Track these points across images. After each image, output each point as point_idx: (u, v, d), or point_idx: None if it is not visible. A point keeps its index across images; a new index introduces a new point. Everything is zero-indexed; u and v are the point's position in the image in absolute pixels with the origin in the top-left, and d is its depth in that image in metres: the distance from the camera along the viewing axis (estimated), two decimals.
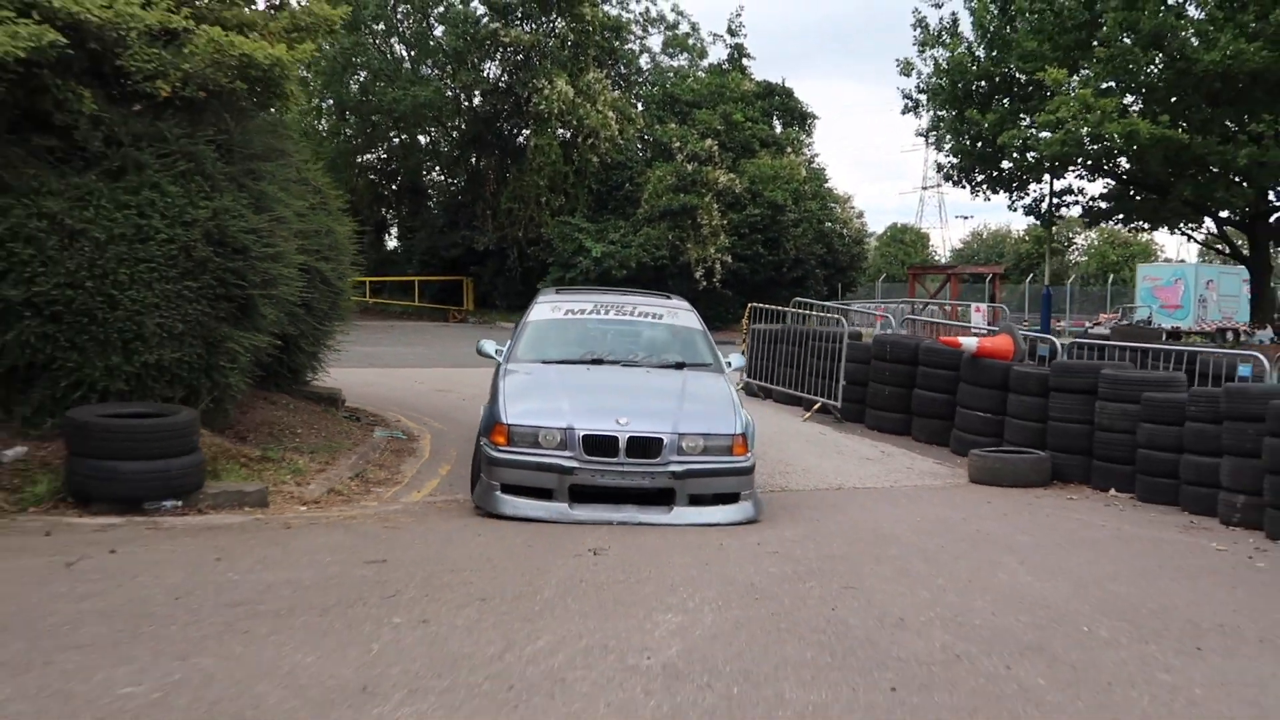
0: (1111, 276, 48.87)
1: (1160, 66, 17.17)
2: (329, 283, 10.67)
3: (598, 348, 9.33)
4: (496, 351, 9.33)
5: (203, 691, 3.59)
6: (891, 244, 68.72)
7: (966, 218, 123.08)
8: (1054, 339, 12.71)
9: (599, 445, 7.58)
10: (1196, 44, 16.24)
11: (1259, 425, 7.63)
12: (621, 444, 7.57)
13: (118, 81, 8.04)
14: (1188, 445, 8.71)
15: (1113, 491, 9.58)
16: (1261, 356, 10.06)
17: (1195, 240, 25.84)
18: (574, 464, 7.52)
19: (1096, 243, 65.05)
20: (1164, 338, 33.28)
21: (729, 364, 9.56)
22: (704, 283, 32.14)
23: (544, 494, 7.59)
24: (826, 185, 36.44)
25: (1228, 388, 8.34)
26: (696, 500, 7.70)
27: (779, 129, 37.39)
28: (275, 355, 9.73)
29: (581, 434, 7.56)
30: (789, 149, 35.89)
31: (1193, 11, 16.82)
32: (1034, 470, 10.09)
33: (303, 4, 9.68)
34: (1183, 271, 36.54)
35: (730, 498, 7.81)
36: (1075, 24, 17.62)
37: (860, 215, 38.92)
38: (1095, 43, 17.33)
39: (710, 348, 9.60)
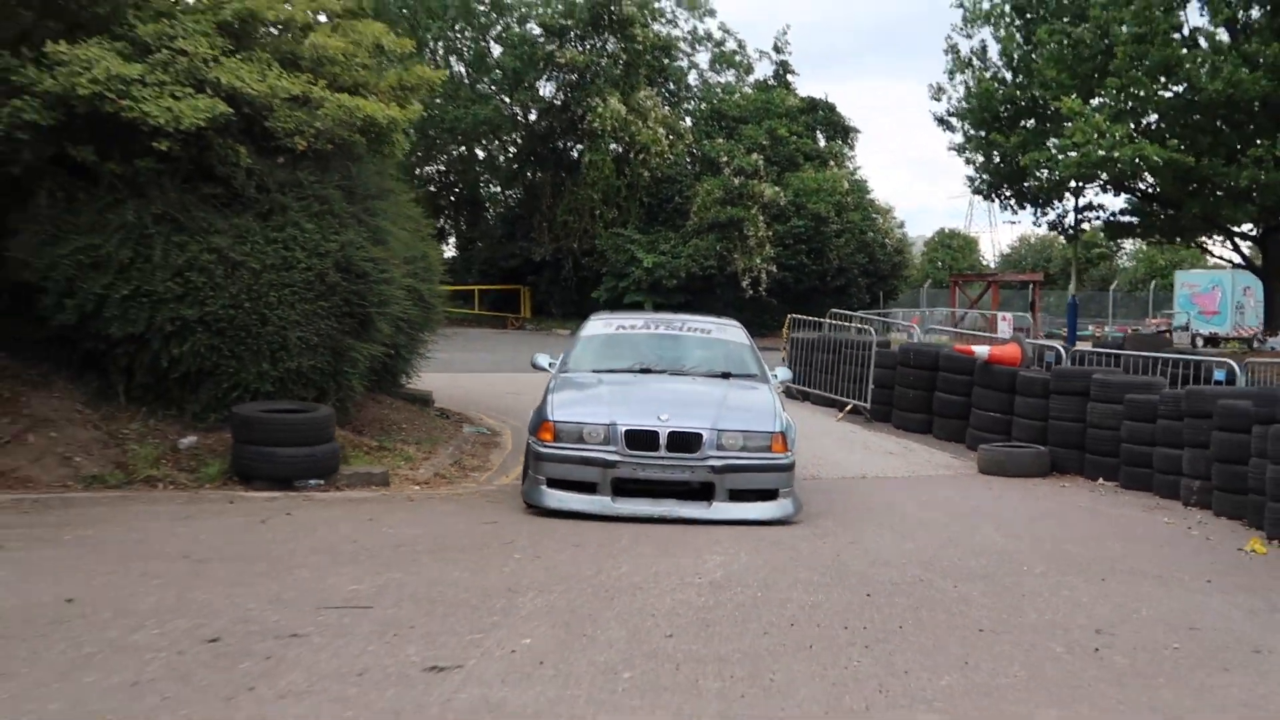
0: (1155, 282, 49.56)
1: (1169, 94, 18.54)
2: (424, 300, 12.44)
3: (646, 359, 9.64)
4: (550, 364, 9.68)
5: (403, 589, 5.35)
6: (939, 249, 69.29)
7: (1015, 222, 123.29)
8: (1059, 346, 14.20)
9: (641, 440, 7.94)
10: (1203, 73, 17.60)
11: (1209, 421, 9.11)
12: (662, 438, 7.94)
13: (265, 139, 9.85)
14: (1159, 439, 10.19)
15: (1101, 480, 11.06)
16: (1233, 362, 11.50)
17: (1210, 253, 26.98)
18: (616, 457, 7.87)
19: (1144, 247, 65.52)
20: (1198, 343, 34.39)
21: (774, 375, 9.84)
22: (750, 291, 33.68)
23: (588, 488, 7.96)
24: (869, 197, 37.83)
25: (1188, 390, 9.83)
26: (736, 496, 8.00)
27: (822, 143, 38.87)
28: (383, 362, 11.53)
29: (624, 429, 7.95)
30: (832, 162, 37.36)
31: (1201, 43, 18.15)
32: (1034, 462, 11.58)
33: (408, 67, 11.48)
34: (1220, 279, 37.36)
35: (769, 494, 8.10)
36: (1091, 53, 19.07)
37: (902, 225, 40.35)
38: (1109, 72, 18.74)
39: (757, 360, 9.92)
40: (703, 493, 7.98)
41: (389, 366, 12.16)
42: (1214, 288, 38.65)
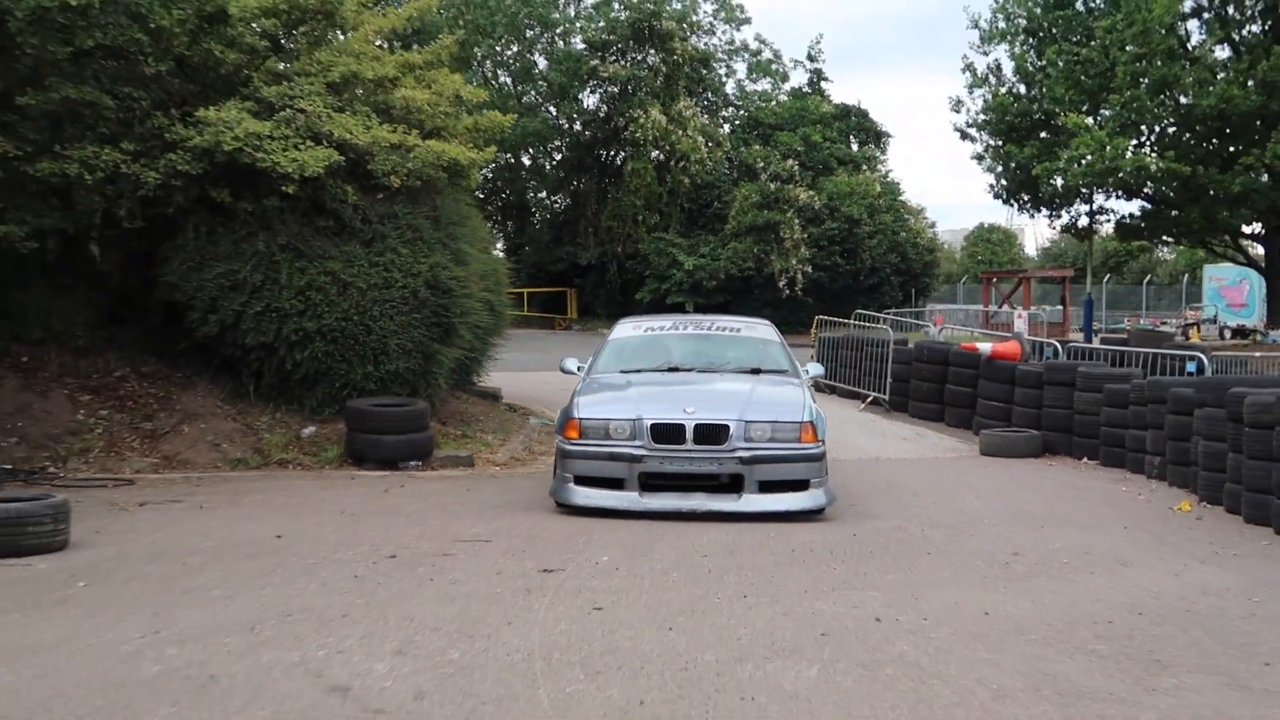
0: (1187, 276, 50.56)
1: (1167, 109, 20.05)
2: (494, 309, 14.35)
3: (675, 358, 9.70)
4: (578, 368, 9.77)
5: (511, 531, 7.27)
6: (979, 243, 70.11)
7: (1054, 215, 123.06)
8: (1056, 343, 15.85)
9: (667, 433, 7.98)
10: (1198, 90, 19.11)
11: (1164, 405, 10.77)
12: (689, 431, 7.95)
13: (367, 178, 11.76)
14: (1130, 423, 11.83)
15: (1084, 459, 12.69)
16: (1202, 355, 13.12)
17: (1215, 251, 28.40)
18: (642, 452, 7.91)
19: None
20: (1229, 335, 35.53)
21: (806, 371, 9.83)
22: (786, 291, 35.40)
23: (615, 484, 8.01)
24: (900, 198, 39.41)
25: (1150, 380, 11.48)
26: (766, 487, 7.99)
27: (855, 147, 40.50)
28: (462, 363, 13.45)
29: (649, 423, 7.99)
30: (864, 166, 38.99)
31: (1197, 58, 19.70)
32: (1027, 445, 13.23)
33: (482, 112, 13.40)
34: (1248, 272, 38.40)
35: (800, 485, 8.06)
36: (1098, 71, 20.61)
37: (933, 225, 41.89)
38: (1112, 89, 20.30)
39: (788, 356, 9.91)
40: (732, 485, 8.00)
41: (466, 367, 14.08)
42: (1241, 281, 39.66)
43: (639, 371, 9.32)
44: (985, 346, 15.05)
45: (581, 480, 8.09)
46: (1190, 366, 13.25)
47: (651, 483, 7.98)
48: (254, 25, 11.68)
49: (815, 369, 10.34)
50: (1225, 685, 4.31)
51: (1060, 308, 36.99)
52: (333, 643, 4.54)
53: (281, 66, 11.92)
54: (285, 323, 11.07)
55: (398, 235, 11.79)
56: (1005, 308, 37.53)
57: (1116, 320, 47.65)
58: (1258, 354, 15.59)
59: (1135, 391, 11.77)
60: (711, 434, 7.96)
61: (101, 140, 10.48)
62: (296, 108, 11.15)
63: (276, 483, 9.58)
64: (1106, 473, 11.77)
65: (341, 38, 12.86)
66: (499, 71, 44.15)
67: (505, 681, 4.16)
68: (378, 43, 13.30)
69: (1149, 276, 54.23)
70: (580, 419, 8.24)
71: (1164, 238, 27.45)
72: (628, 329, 10.48)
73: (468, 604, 5.31)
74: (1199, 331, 37.24)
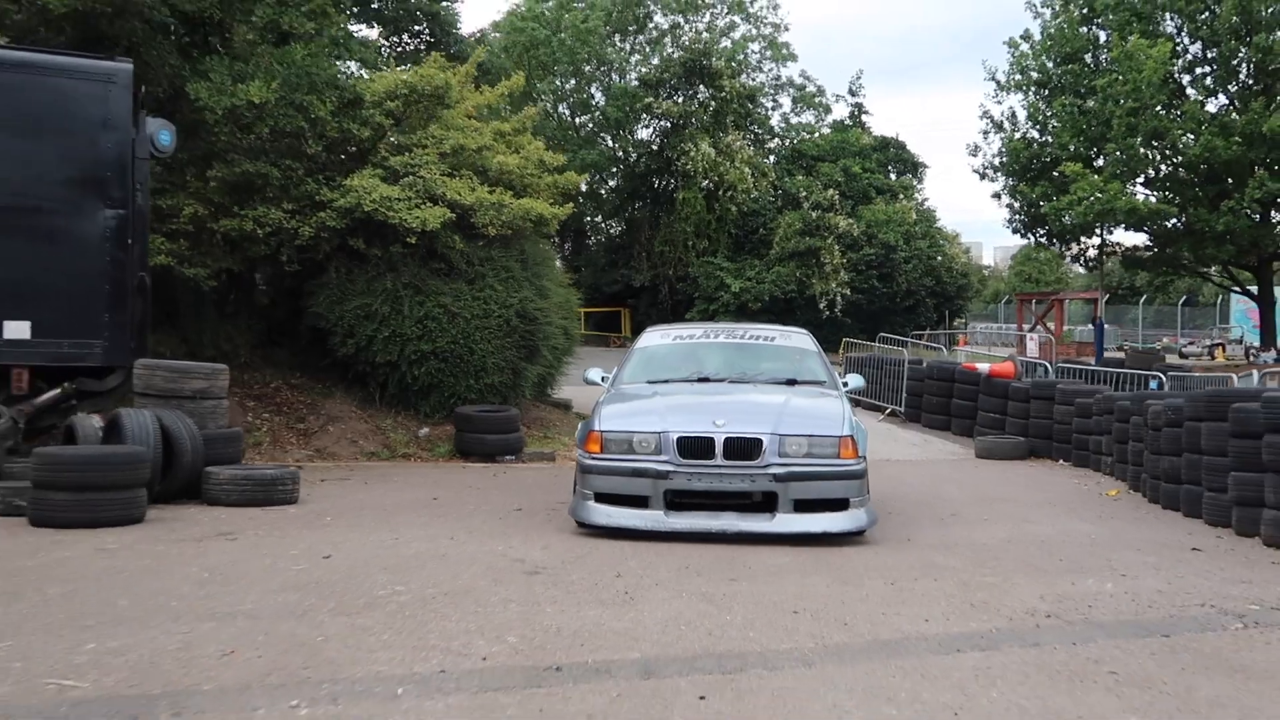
0: (1220, 299, 52.30)
1: (1158, 156, 22.44)
2: (568, 333, 17.16)
3: (705, 368, 9.18)
4: (603, 379, 9.44)
5: None
6: (1026, 262, 71.90)
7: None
8: (1047, 364, 18.35)
9: (695, 447, 7.42)
10: (1188, 140, 21.50)
11: (1111, 415, 13.29)
12: (718, 445, 7.41)
13: (470, 229, 14.61)
14: (1093, 430, 14.34)
15: (1061, 461, 15.16)
16: (1161, 374, 15.59)
17: (1212, 281, 30.64)
18: (669, 468, 7.36)
19: None
20: (1251, 355, 37.45)
21: (845, 384, 9.41)
22: (827, 313, 37.93)
23: (639, 502, 7.47)
24: (936, 225, 41.82)
25: (1104, 394, 13.99)
26: (802, 506, 7.42)
27: (893, 178, 43.00)
28: (541, 377, 16.26)
29: (676, 436, 7.44)
30: (901, 196, 41.48)
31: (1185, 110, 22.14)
32: (1014, 449, 15.73)
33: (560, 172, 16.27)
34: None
35: (839, 504, 7.52)
36: (1099, 121, 23.04)
37: (967, 250, 44.16)
38: (1109, 138, 22.77)
39: (825, 367, 9.49)
40: (765, 504, 7.47)
41: (544, 381, 16.89)
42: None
43: (667, 382, 8.84)
44: (984, 366, 17.60)
45: (603, 497, 7.60)
46: (1153, 384, 15.72)
47: (678, 501, 7.47)
48: (381, 106, 14.61)
49: (855, 381, 9.92)
50: (1028, 570, 6.79)
51: (1091, 327, 39.17)
52: (502, 546, 7.18)
53: (401, 139, 14.82)
54: (407, 345, 13.93)
55: (494, 275, 14.63)
56: (1039, 328, 39.89)
57: (1154, 340, 49.67)
58: (1234, 374, 17.91)
59: (1097, 404, 14.28)
60: (743, 448, 7.43)
61: (268, 202, 13.45)
62: (417, 174, 14.05)
63: (408, 469, 12.43)
64: (1073, 470, 14.25)
65: (446, 113, 15.75)
66: (560, 106, 47.21)
67: (610, 559, 6.84)
68: (474, 115, 16.19)
69: (1184, 298, 55.90)
70: (602, 431, 7.73)
71: (1164, 269, 29.69)
72: (655, 337, 10.00)
73: (575, 530, 7.89)
74: (1224, 351, 39.25)
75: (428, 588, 5.71)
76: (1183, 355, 38.94)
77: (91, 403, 9.87)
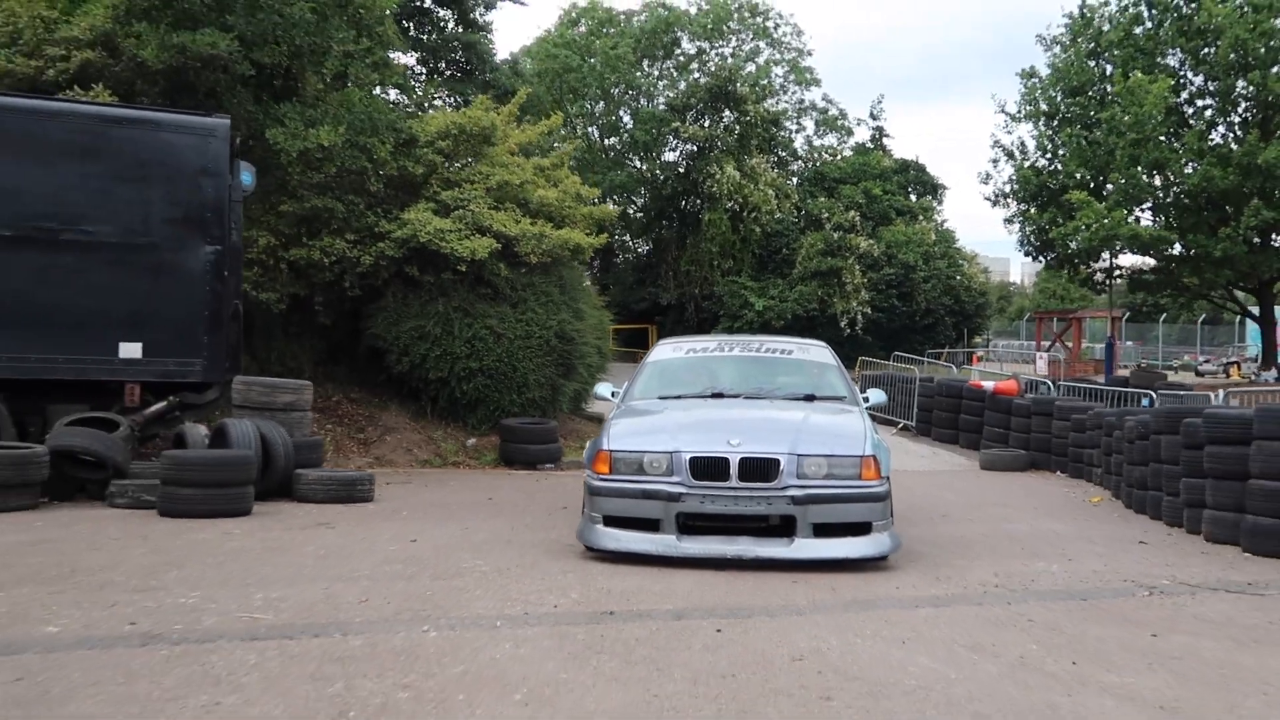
0: (1238, 316, 53.07)
1: (1159, 185, 23.63)
2: (601, 352, 18.56)
3: (719, 383, 8.87)
4: (613, 394, 9.20)
5: None
6: (1052, 279, 72.58)
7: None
8: (1049, 381, 19.58)
9: (708, 468, 7.15)
10: (1188, 171, 22.69)
11: (1100, 429, 14.52)
12: (733, 466, 7.13)
13: (513, 257, 16.04)
14: (1086, 443, 15.58)
15: (1058, 473, 16.36)
16: (1152, 393, 16.79)
17: (1215, 303, 31.83)
18: (681, 490, 7.11)
19: None
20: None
21: (865, 399, 9.01)
22: (848, 330, 39.17)
23: (649, 526, 7.21)
24: (954, 246, 43.02)
25: (1094, 411, 15.22)
26: (822, 531, 7.14)
27: (913, 199, 44.25)
28: (576, 393, 17.65)
29: (688, 456, 7.17)
30: (921, 217, 42.72)
31: (1185, 141, 23.36)
32: (1016, 461, 16.96)
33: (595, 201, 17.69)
34: None
35: (861, 528, 7.22)
36: (1104, 151, 24.26)
37: (985, 270, 45.26)
38: (1112, 168, 24.01)
39: (845, 381, 9.19)
40: (783, 528, 7.19)
41: (579, 395, 18.28)
42: None
43: (679, 398, 8.56)
44: (989, 384, 18.85)
45: (611, 521, 7.33)
46: (1144, 402, 16.92)
47: (691, 525, 7.20)
48: (433, 145, 16.09)
49: (877, 396, 9.49)
50: (992, 556, 8.06)
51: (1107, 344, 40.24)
52: (555, 534, 8.51)
53: (451, 175, 16.30)
54: (456, 363, 15.36)
55: (535, 299, 16.06)
56: (1057, 346, 40.93)
57: (1174, 358, 50.51)
58: (1213, 392, 19.05)
59: (1088, 420, 15.53)
60: (759, 469, 7.14)
61: (333, 234, 14.94)
62: (466, 208, 15.51)
63: (459, 475, 13.84)
64: (1067, 481, 15.48)
65: (490, 150, 17.22)
66: (590, 128, 48.77)
67: None
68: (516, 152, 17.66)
69: (1202, 317, 56.72)
70: (611, 451, 7.46)
71: (1169, 292, 30.86)
72: (667, 350, 9.71)
73: None
74: (1239, 370, 40.20)
75: (501, 562, 7.09)
76: (1198, 373, 39.98)
77: (192, 414, 11.34)
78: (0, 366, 10.39)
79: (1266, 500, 8.08)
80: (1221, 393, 16.47)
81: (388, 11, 15.15)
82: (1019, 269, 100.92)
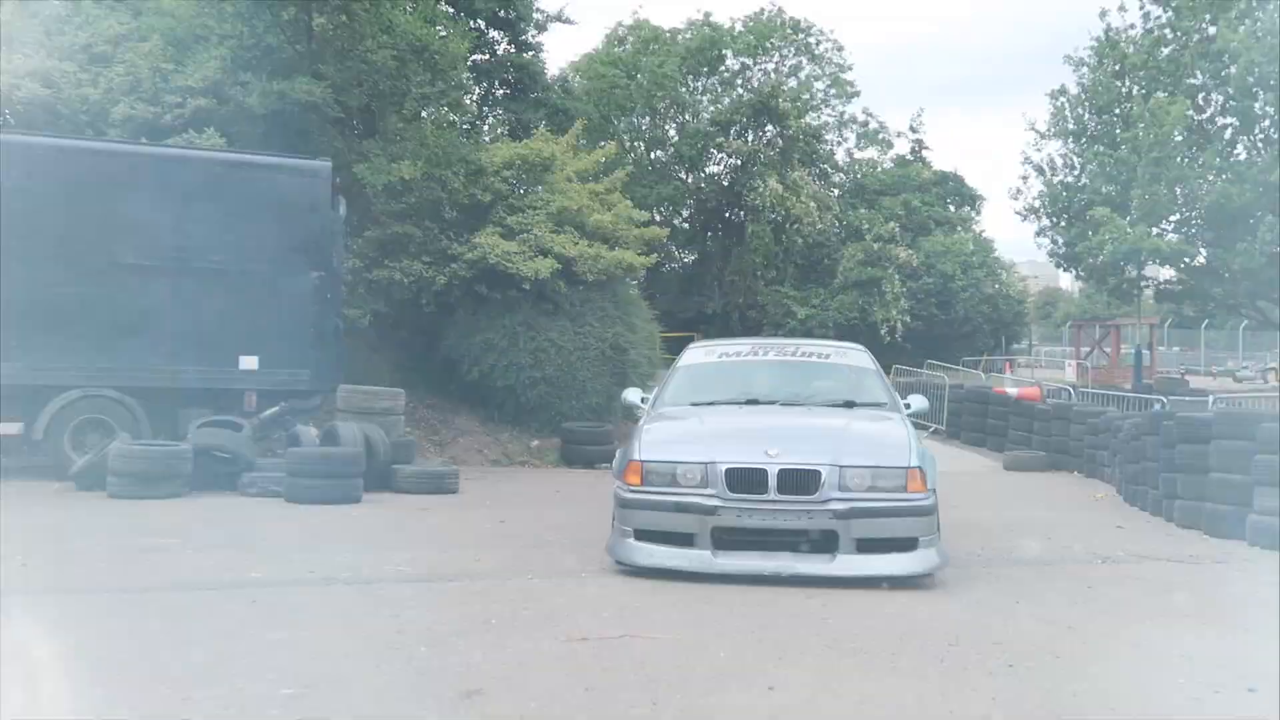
0: None
1: (1181, 201, 24.87)
2: (650, 360, 20.14)
3: (754, 389, 8.50)
4: (642, 400, 8.82)
5: None
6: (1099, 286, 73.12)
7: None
8: (1070, 388, 20.89)
9: (745, 480, 6.87)
10: (1204, 188, 23.92)
11: (1109, 432, 15.84)
12: (771, 478, 6.84)
13: (571, 275, 17.65)
14: (1100, 445, 16.89)
15: (1075, 472, 17.62)
16: (1163, 399, 18.07)
17: (1241, 314, 32.89)
18: (716, 502, 6.84)
19: None
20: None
21: (907, 405, 8.50)
22: (887, 339, 40.37)
23: (683, 540, 6.96)
24: (993, 255, 44.16)
25: (1104, 416, 16.54)
26: (865, 546, 6.84)
27: (951, 210, 45.42)
28: None
29: (725, 468, 6.89)
30: (959, 228, 43.89)
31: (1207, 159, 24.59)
32: (1037, 462, 18.21)
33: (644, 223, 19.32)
34: None
35: (907, 544, 6.93)
36: (1129, 168, 25.48)
37: (1023, 279, 46.29)
38: (1135, 184, 25.26)
39: (885, 387, 8.77)
40: (824, 543, 6.88)
41: None
42: None
43: (712, 405, 8.19)
44: (1013, 390, 20.21)
45: (643, 535, 7.09)
46: (1156, 408, 18.20)
47: (727, 539, 6.92)
48: (499, 175, 17.80)
49: (918, 402, 8.87)
50: (985, 535, 9.50)
51: (1148, 352, 41.08)
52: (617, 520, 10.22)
53: (515, 201, 17.99)
54: (521, 373, 17.03)
55: (592, 314, 17.69)
56: (1097, 353, 41.90)
57: (1219, 363, 51.09)
58: (1210, 396, 20.25)
59: (1101, 423, 16.86)
60: (799, 481, 6.86)
61: (411, 256, 16.68)
62: (530, 232, 17.18)
63: (527, 473, 15.49)
64: (1082, 480, 16.75)
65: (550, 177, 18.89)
66: (636, 142, 50.40)
67: None
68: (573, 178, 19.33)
69: (1244, 323, 57.17)
70: (642, 461, 7.20)
71: (1193, 302, 31.97)
72: (699, 355, 9.32)
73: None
74: (1277, 375, 40.99)
75: (579, 536, 8.68)
76: (1236, 379, 40.83)
77: (300, 417, 13.08)
78: (140, 376, 12.18)
79: (1222, 490, 9.49)
80: (1212, 398, 17.72)
81: (461, 59, 16.88)
82: (1067, 275, 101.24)
